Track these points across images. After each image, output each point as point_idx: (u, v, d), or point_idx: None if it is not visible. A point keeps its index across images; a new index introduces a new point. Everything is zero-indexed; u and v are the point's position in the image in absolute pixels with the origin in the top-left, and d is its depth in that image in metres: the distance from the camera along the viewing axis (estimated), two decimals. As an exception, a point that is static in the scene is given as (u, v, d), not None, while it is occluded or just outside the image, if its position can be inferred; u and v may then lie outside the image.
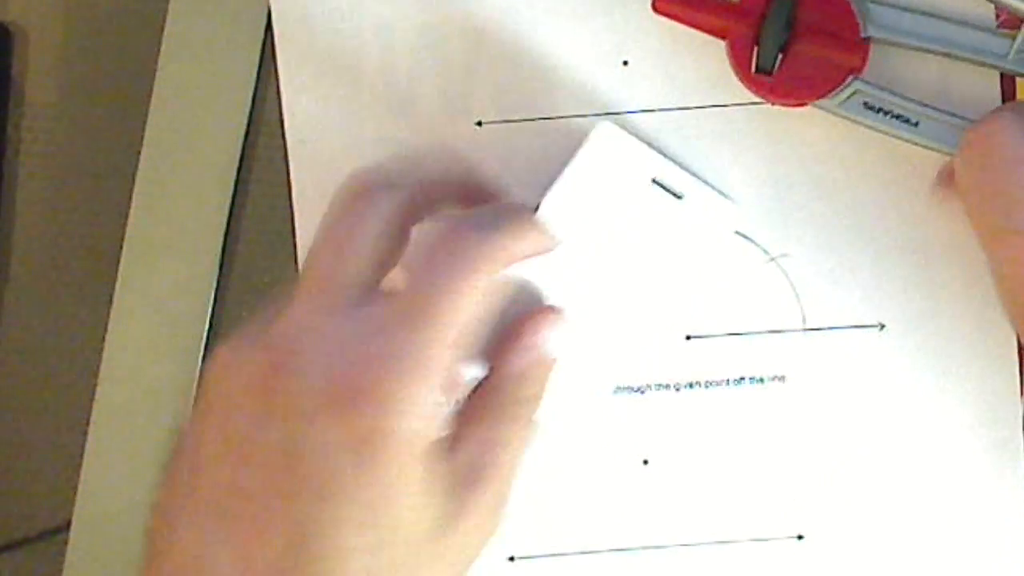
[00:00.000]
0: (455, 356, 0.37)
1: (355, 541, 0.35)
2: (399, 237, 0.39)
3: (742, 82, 0.45)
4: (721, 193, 0.46)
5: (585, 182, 0.44)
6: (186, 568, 0.36)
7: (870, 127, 0.45)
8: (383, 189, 0.39)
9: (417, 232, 0.39)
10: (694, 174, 0.46)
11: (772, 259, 0.47)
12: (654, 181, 0.45)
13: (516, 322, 0.41)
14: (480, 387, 0.40)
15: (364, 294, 0.37)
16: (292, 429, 0.35)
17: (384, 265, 0.38)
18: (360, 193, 0.39)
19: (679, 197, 0.45)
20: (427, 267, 0.37)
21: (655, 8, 0.45)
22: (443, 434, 0.37)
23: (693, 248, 0.45)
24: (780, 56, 0.44)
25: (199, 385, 0.38)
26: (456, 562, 0.38)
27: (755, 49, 0.44)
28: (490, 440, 0.38)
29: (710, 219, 0.45)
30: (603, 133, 0.44)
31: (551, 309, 0.42)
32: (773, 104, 0.45)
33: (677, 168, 0.45)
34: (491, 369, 0.40)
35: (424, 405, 0.36)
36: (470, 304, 0.37)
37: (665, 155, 0.45)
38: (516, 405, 0.40)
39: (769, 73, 0.44)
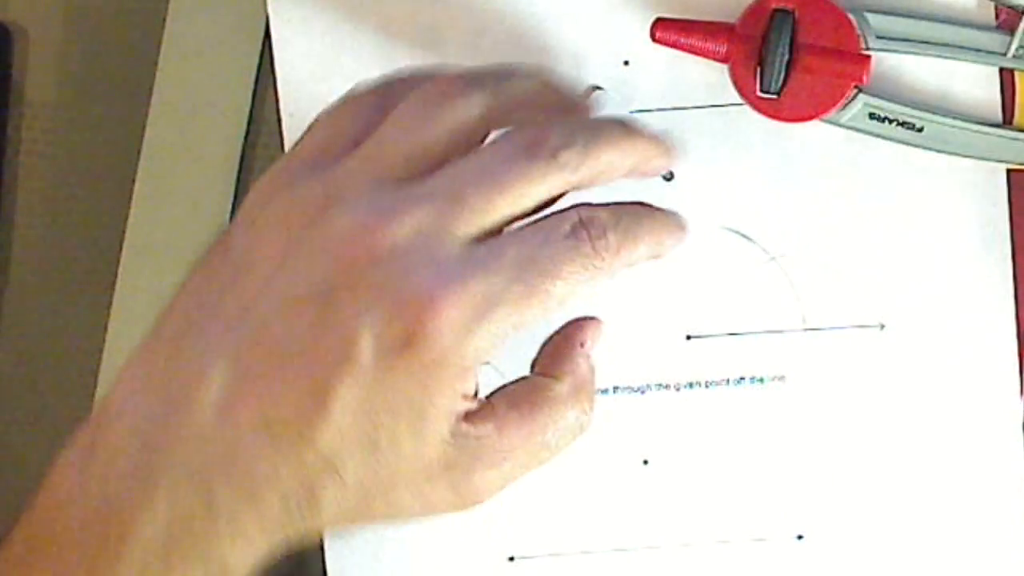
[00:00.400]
0: (527, 321, 0.34)
1: (353, 434, 0.33)
2: (469, 139, 0.36)
3: (747, 103, 0.45)
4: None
5: None
6: (178, 372, 0.34)
7: (876, 136, 0.45)
8: (476, 86, 0.37)
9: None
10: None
11: (772, 259, 0.47)
12: None
13: (570, 329, 0.39)
14: (526, 380, 0.38)
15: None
16: (342, 293, 0.33)
17: (446, 156, 0.36)
18: (454, 81, 0.37)
19: (668, 179, 0.45)
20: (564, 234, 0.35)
21: (654, 38, 0.45)
22: (476, 388, 0.35)
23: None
24: (784, 76, 0.44)
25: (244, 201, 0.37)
26: (385, 517, 0.35)
27: (758, 71, 0.44)
28: (513, 430, 0.36)
29: (697, 207, 0.45)
30: (596, 104, 0.44)
31: (598, 320, 0.40)
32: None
33: None
34: (536, 370, 0.38)
35: (485, 337, 0.33)
36: (570, 293, 0.35)
37: None
38: (560, 409, 0.37)
39: (775, 95, 0.44)
